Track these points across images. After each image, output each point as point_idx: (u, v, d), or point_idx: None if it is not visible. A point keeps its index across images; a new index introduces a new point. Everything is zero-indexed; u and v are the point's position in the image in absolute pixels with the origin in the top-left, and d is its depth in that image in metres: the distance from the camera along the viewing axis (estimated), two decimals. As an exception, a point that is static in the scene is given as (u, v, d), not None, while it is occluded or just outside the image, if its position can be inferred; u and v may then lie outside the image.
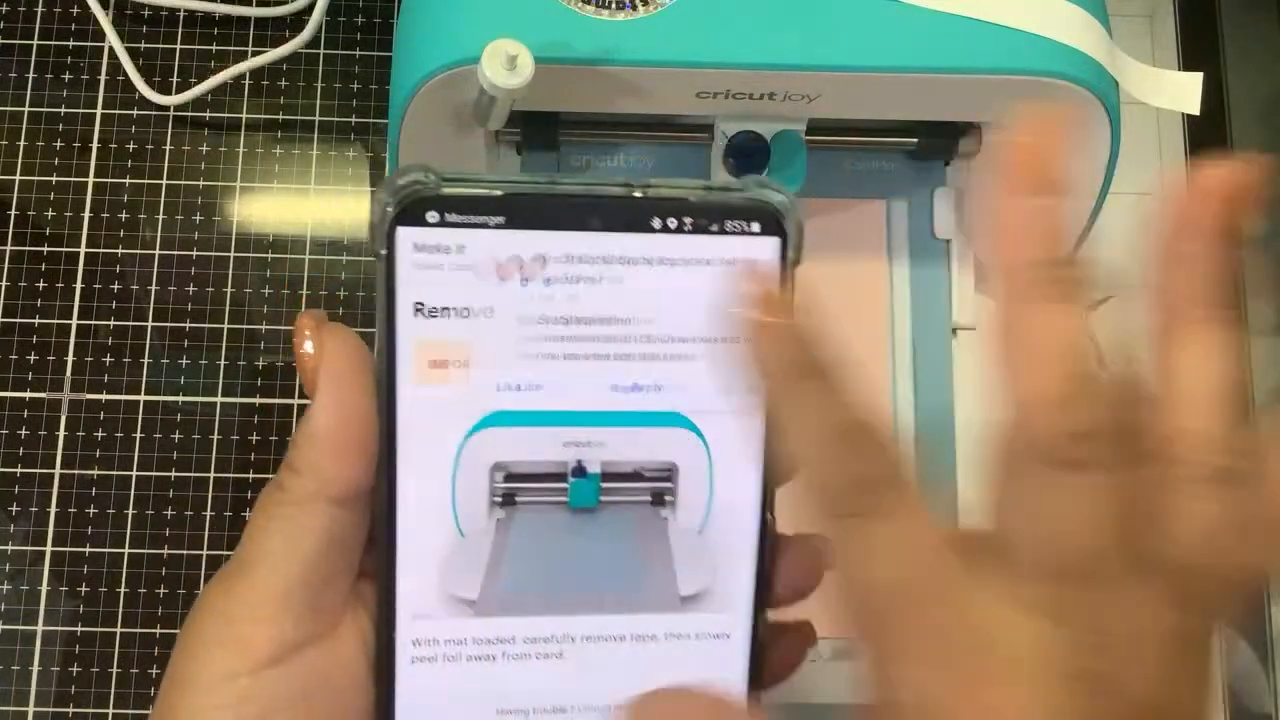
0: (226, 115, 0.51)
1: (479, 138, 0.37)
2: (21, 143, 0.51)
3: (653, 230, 0.22)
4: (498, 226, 0.22)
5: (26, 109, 0.51)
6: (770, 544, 0.24)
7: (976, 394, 0.45)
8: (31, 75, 0.51)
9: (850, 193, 0.46)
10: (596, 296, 0.22)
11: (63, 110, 0.51)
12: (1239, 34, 0.53)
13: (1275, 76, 0.53)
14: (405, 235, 0.21)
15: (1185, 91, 0.36)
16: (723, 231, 0.22)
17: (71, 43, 0.52)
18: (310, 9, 0.50)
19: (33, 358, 0.48)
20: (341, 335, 0.23)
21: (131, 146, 0.51)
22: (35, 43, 0.52)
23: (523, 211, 0.22)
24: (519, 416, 0.23)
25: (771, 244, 0.22)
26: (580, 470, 0.23)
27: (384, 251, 0.22)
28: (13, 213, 0.50)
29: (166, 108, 0.51)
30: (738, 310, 0.22)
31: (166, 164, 0.51)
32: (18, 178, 0.50)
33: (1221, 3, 0.54)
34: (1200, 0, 0.54)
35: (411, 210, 0.21)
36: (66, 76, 0.51)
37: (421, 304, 0.22)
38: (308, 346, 0.23)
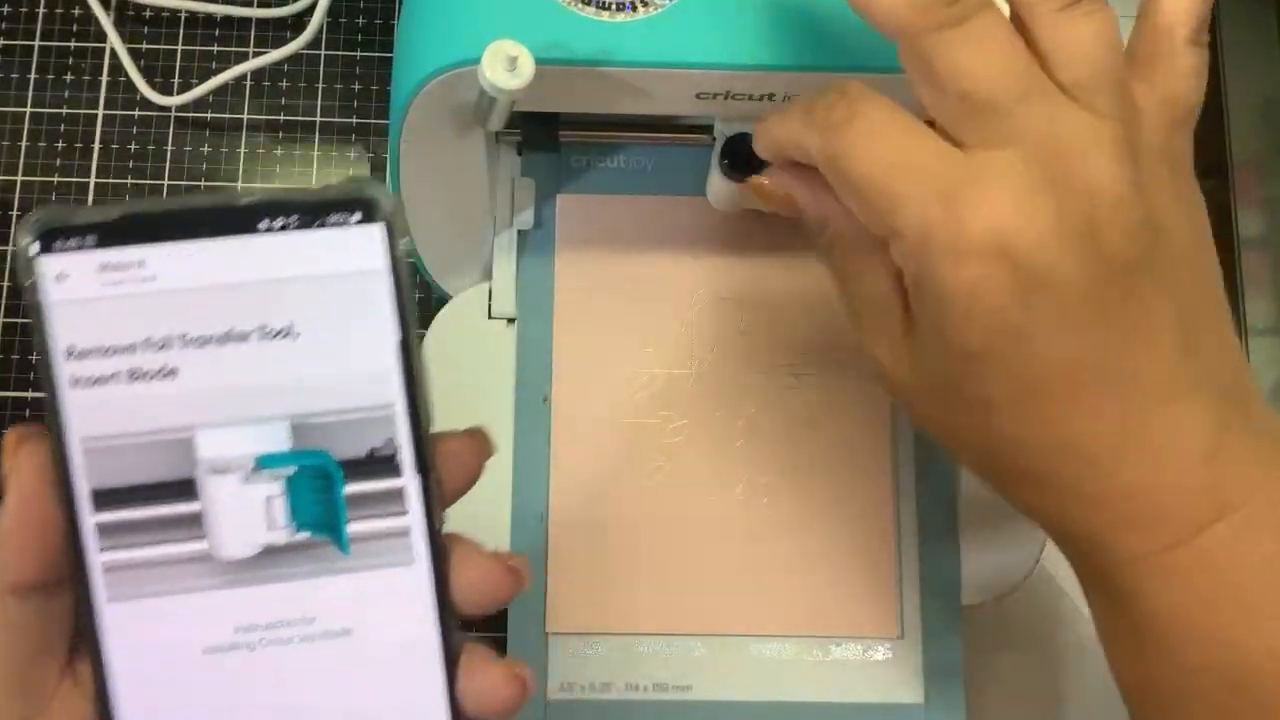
0: (228, 116, 0.51)
1: (479, 138, 0.37)
2: (23, 143, 0.51)
3: (263, 231, 0.24)
4: (121, 243, 0.24)
5: (28, 109, 0.51)
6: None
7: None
8: (33, 76, 0.51)
9: (850, 193, 0.46)
10: (219, 299, 0.25)
11: (64, 111, 0.51)
12: (1239, 34, 0.53)
13: (1275, 76, 0.53)
14: (45, 263, 0.24)
15: (1184, 92, 0.36)
16: (326, 225, 0.25)
17: (73, 44, 0.52)
18: (311, 10, 0.50)
19: (34, 357, 0.48)
20: (32, 447, 0.25)
21: (133, 147, 0.51)
22: (36, 43, 0.52)
23: (142, 229, 0.24)
24: None
25: (376, 230, 0.25)
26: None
27: (29, 282, 0.24)
28: (14, 213, 0.50)
29: (168, 108, 0.51)
30: None
31: (168, 164, 0.51)
32: (19, 178, 0.50)
33: (1221, 3, 0.54)
34: (1199, 1, 0.54)
35: (45, 240, 0.24)
36: (68, 77, 0.51)
37: (71, 331, 0.24)
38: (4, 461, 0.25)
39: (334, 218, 0.24)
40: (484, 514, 0.41)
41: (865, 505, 0.41)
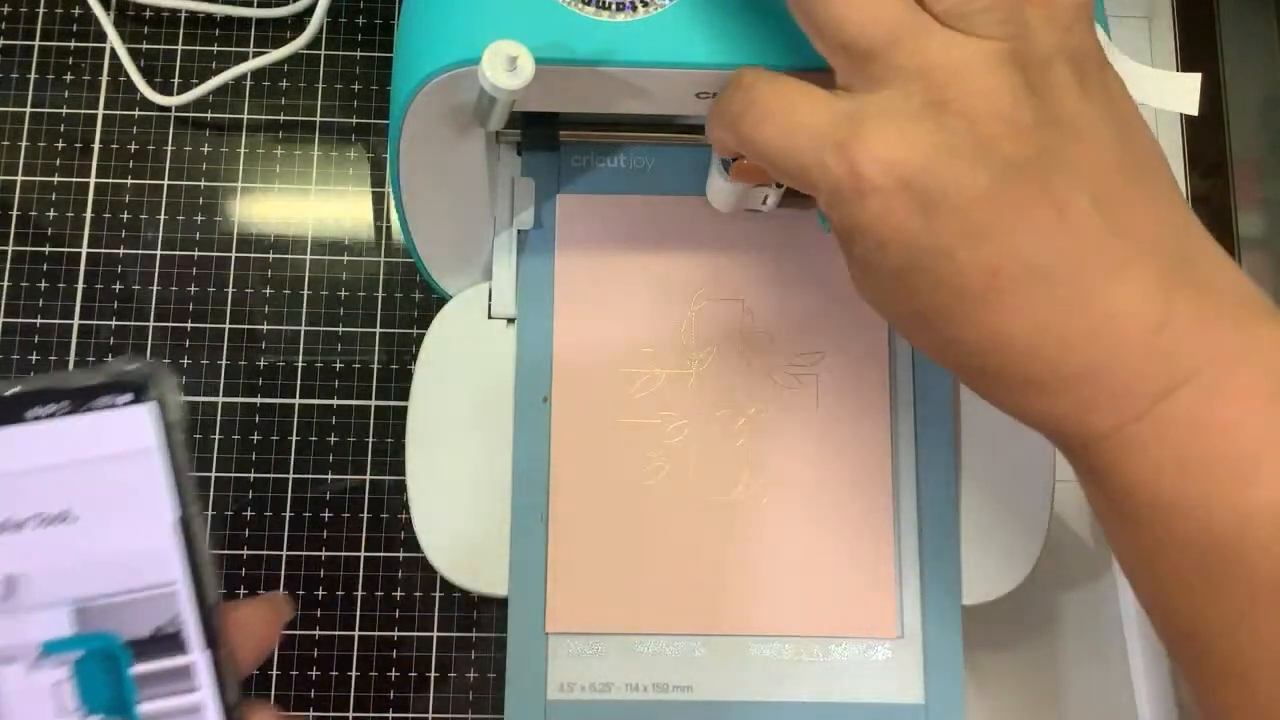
0: (227, 116, 0.51)
1: (479, 138, 0.37)
2: (23, 143, 0.51)
3: (32, 420, 0.25)
4: None
5: (28, 110, 0.51)
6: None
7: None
8: (33, 76, 0.51)
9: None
10: None
11: (64, 111, 0.51)
12: (1238, 34, 0.53)
13: (1274, 76, 0.53)
14: None
15: (1184, 92, 0.36)
16: (95, 408, 0.25)
17: (73, 44, 0.52)
18: (311, 10, 0.50)
19: (34, 358, 0.48)
20: None
21: (133, 147, 0.51)
22: (36, 44, 0.52)
23: None
24: None
25: (147, 409, 0.25)
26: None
27: None
28: (14, 213, 0.50)
29: (168, 108, 0.51)
30: None
31: (168, 164, 0.51)
32: (19, 178, 0.50)
33: (1220, 3, 0.54)
34: (1198, 1, 0.54)
35: None
36: (68, 77, 0.51)
37: None
38: None
39: (103, 400, 0.25)
40: (485, 514, 0.41)
41: (865, 505, 0.41)
